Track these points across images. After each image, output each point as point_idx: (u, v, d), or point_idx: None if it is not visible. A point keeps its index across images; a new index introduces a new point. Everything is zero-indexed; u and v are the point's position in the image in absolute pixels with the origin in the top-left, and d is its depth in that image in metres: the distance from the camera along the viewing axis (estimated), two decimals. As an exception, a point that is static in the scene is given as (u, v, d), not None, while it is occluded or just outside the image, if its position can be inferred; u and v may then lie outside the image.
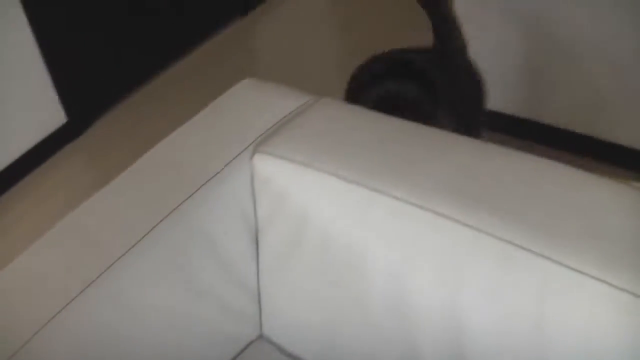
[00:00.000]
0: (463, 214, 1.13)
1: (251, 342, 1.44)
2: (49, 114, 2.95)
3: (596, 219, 1.09)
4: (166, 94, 3.21)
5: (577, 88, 2.34)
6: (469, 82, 2.09)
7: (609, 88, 2.27)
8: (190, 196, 1.28)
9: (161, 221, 1.23)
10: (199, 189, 1.29)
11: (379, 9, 3.56)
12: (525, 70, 2.43)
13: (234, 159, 1.34)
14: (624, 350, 1.01)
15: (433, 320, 1.18)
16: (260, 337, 1.45)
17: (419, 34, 2.04)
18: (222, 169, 1.32)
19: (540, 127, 2.50)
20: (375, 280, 1.23)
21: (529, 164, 1.21)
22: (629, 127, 2.31)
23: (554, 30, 2.29)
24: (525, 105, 2.49)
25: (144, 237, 1.21)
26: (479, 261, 1.11)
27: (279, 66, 3.32)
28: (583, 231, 1.08)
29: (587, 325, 1.03)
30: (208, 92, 3.16)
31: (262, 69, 3.41)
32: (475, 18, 2.27)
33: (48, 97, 2.91)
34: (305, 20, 3.65)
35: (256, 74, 3.20)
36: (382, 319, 1.25)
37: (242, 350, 1.42)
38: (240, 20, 3.63)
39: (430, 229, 1.16)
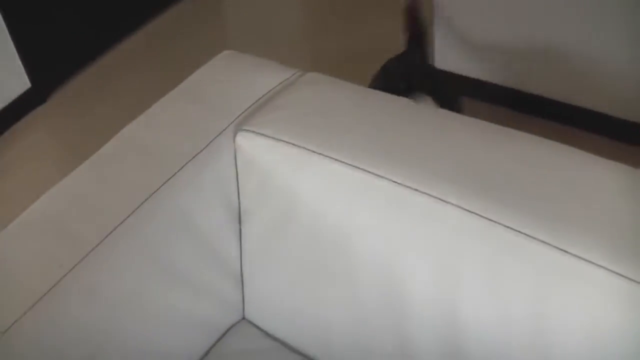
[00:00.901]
0: (462, 199, 1.08)
1: (233, 326, 1.39)
2: (13, 80, 2.87)
3: (604, 204, 1.04)
4: (132, 59, 3.13)
5: (563, 60, 2.33)
6: None
7: (594, 58, 2.26)
8: (169, 179, 1.20)
9: (138, 207, 1.16)
10: (178, 171, 1.22)
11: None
12: (513, 42, 2.40)
13: (215, 137, 1.26)
14: (630, 344, 0.96)
15: (427, 308, 1.14)
16: (242, 320, 1.41)
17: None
18: (203, 148, 1.25)
19: (527, 97, 2.49)
20: (366, 266, 1.18)
21: (531, 146, 1.16)
22: (614, 97, 2.30)
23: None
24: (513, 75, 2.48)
25: (121, 224, 1.14)
26: (478, 248, 1.07)
27: (250, 32, 3.25)
28: (589, 217, 1.03)
29: (591, 316, 0.99)
30: (177, 58, 3.07)
31: (233, 34, 3.34)
32: None
33: (11, 63, 2.83)
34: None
35: (227, 39, 3.10)
36: (372, 306, 1.21)
37: (224, 334, 1.37)
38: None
39: (427, 214, 1.10)
